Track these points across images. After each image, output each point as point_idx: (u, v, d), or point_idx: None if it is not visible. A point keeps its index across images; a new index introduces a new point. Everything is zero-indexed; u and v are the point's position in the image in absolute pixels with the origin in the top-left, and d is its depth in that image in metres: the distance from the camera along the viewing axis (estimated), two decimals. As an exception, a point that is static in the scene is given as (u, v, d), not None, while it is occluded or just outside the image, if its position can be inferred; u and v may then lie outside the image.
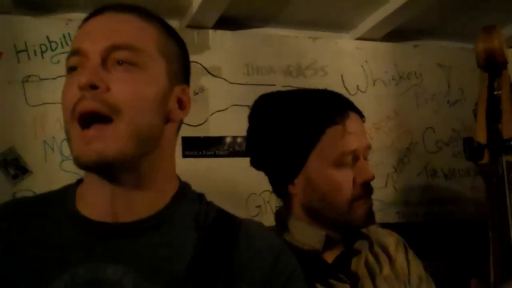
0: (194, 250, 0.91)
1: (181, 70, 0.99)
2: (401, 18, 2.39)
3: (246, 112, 2.32)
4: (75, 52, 0.87)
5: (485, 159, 1.05)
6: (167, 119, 0.93)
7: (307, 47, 2.53)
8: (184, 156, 2.30)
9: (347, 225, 1.27)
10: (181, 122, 1.00)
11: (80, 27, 0.92)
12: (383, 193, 2.49)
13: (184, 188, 1.00)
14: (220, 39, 2.41)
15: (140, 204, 0.92)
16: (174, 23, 2.34)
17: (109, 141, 0.84)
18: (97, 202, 0.91)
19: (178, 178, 1.01)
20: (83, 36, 0.90)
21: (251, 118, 1.37)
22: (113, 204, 0.90)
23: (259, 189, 2.34)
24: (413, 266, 1.41)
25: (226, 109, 2.38)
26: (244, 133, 2.36)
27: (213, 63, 2.40)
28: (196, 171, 2.28)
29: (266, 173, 1.34)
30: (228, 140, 2.36)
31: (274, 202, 2.32)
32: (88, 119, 0.84)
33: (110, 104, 0.84)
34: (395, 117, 2.58)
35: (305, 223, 1.29)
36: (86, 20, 0.92)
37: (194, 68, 2.35)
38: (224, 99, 2.38)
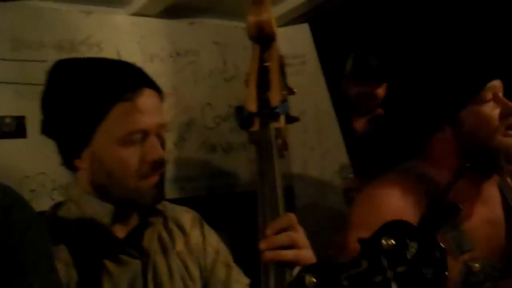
0: None
1: None
2: (176, -6, 2.40)
3: (12, 90, 2.16)
4: None
5: (256, 127, 1.10)
6: None
7: (80, 21, 2.40)
8: None
9: (135, 203, 1.26)
10: None
11: None
12: (164, 170, 2.49)
13: None
14: (-20, 10, 2.18)
15: None
16: None
17: None
18: None
19: None
20: None
21: (47, 83, 1.30)
22: None
23: (33, 172, 2.18)
24: (209, 240, 1.43)
25: (-11, 87, 2.17)
26: (12, 113, 2.19)
27: (-30, 37, 2.17)
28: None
29: (56, 144, 1.30)
30: (-6, 120, 2.16)
31: (50, 185, 2.19)
32: None
33: None
34: (173, 94, 2.57)
35: (94, 197, 1.26)
36: None
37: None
38: (-14, 76, 2.16)
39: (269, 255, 1.00)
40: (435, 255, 0.59)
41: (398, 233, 0.61)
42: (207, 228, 1.46)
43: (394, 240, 0.61)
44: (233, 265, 1.44)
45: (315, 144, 2.82)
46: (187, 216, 1.44)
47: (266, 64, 1.14)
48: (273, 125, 1.08)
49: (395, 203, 1.47)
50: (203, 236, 1.43)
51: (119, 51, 2.46)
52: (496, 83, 1.49)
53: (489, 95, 1.47)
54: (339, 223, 2.68)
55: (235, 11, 2.66)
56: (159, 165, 1.26)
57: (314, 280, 0.60)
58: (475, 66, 1.52)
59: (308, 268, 0.62)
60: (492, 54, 1.59)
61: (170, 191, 2.50)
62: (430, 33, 2.49)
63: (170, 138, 2.54)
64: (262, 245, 1.01)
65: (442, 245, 0.62)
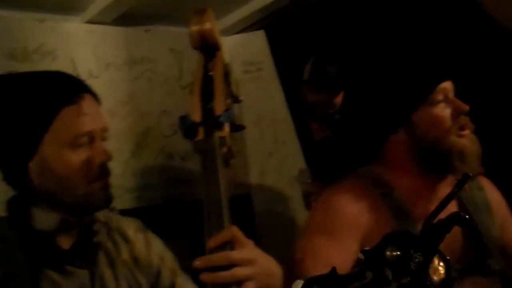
0: None
1: None
2: (131, 2, 2.37)
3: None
4: None
5: (200, 136, 1.10)
6: None
7: (33, 29, 2.36)
8: None
9: (85, 208, 1.29)
10: None
11: None
12: (121, 179, 2.46)
13: None
14: None
15: None
16: None
17: None
18: None
19: None
20: None
21: None
22: None
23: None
24: (153, 248, 1.44)
25: None
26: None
27: None
28: None
29: None
30: None
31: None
32: None
33: None
34: (129, 102, 2.55)
35: (39, 208, 1.26)
36: None
37: None
38: None
39: (203, 276, 1.01)
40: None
41: (402, 244, 0.61)
42: (151, 236, 1.48)
43: (398, 251, 0.61)
44: (180, 272, 1.45)
45: (273, 150, 2.83)
46: (130, 226, 1.46)
47: (210, 73, 1.14)
48: (217, 134, 1.08)
49: (351, 208, 1.49)
50: (148, 244, 1.44)
51: (73, 59, 2.43)
52: (447, 85, 1.52)
53: (440, 97, 1.49)
54: (298, 228, 2.70)
55: (190, 18, 2.64)
56: (106, 168, 1.29)
57: None
58: (425, 69, 1.55)
59: (312, 281, 0.61)
60: (441, 57, 1.62)
61: (128, 200, 2.49)
62: (381, 37, 2.53)
63: (126, 147, 2.53)
64: (197, 263, 1.02)
65: (446, 256, 0.62)
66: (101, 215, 1.38)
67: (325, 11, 2.80)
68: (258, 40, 2.81)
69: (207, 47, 1.15)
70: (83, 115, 1.25)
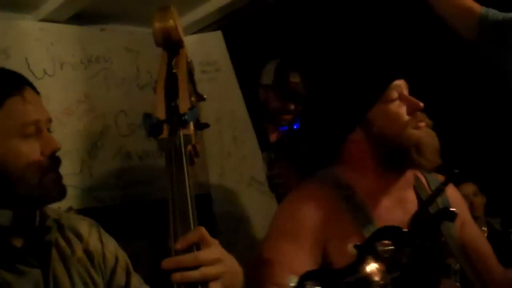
0: None
1: None
2: (85, 0, 2.33)
3: None
4: None
5: (165, 134, 1.09)
6: None
7: (-15, 28, 2.31)
8: None
9: (40, 199, 1.26)
10: None
11: None
12: (78, 179, 2.42)
13: None
14: None
15: None
16: None
17: None
18: None
19: None
20: None
21: None
22: None
23: None
24: (107, 246, 1.44)
25: None
26: None
27: None
28: None
29: None
30: None
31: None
32: None
33: None
34: (86, 101, 2.50)
35: None
36: None
37: None
38: None
39: (175, 277, 1.01)
40: (428, 259, 0.61)
41: (393, 239, 0.62)
42: (104, 234, 1.47)
43: (390, 246, 0.62)
44: (133, 272, 1.45)
45: (232, 150, 2.83)
46: (83, 224, 1.45)
47: (174, 70, 1.14)
48: (182, 132, 1.08)
49: (312, 213, 1.51)
50: (102, 242, 1.44)
51: (27, 58, 2.37)
52: (400, 83, 1.56)
53: (395, 94, 1.53)
54: (257, 228, 2.71)
55: (146, 17, 2.61)
56: (57, 158, 1.28)
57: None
58: (378, 68, 1.59)
59: (308, 276, 0.62)
60: (393, 57, 1.66)
61: (85, 200, 2.45)
62: (336, 38, 2.57)
63: (83, 146, 2.49)
64: (167, 265, 1.02)
65: (433, 250, 0.64)
66: (51, 211, 1.36)
67: (282, 12, 2.82)
68: (215, 40, 2.81)
69: (171, 45, 1.15)
70: (28, 104, 1.25)
